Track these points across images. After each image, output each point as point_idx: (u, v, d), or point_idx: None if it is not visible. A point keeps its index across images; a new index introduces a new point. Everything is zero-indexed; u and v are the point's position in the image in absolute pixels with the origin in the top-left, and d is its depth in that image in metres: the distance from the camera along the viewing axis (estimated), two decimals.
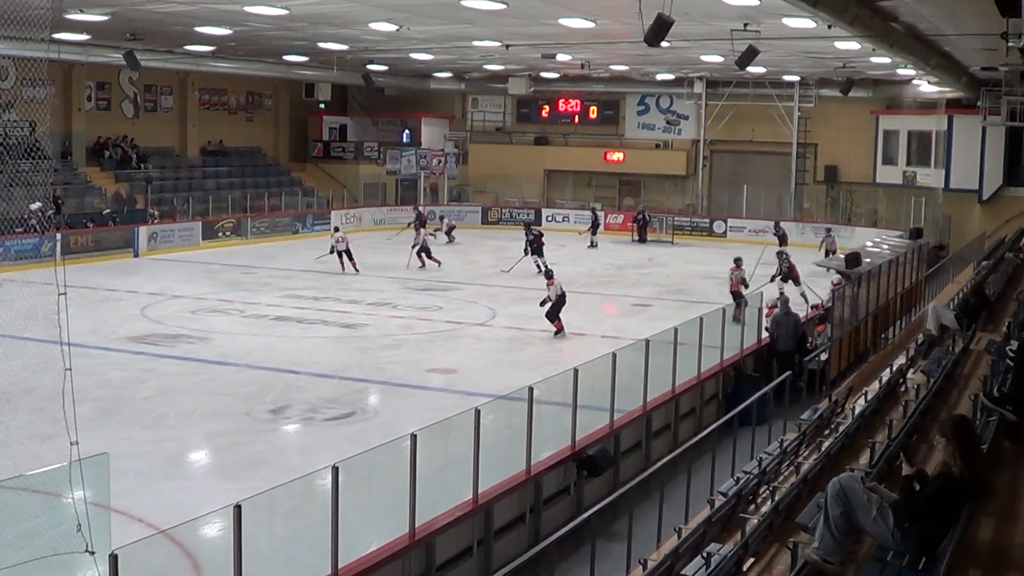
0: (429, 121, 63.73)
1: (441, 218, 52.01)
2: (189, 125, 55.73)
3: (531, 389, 15.05)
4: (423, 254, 41.20)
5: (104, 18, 32.67)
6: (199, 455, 19.06)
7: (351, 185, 59.32)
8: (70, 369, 10.22)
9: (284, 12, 30.66)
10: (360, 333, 28.56)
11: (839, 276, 28.20)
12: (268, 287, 35.50)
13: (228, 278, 37.34)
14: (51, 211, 41.65)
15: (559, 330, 28.23)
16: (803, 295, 31.51)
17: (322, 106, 61.21)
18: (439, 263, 40.83)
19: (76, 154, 49.37)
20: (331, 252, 40.03)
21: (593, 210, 53.32)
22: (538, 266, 38.77)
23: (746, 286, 31.06)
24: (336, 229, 42.82)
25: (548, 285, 28.79)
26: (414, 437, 12.42)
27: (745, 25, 28.79)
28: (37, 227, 40.35)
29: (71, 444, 10.00)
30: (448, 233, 49.73)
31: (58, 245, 39.40)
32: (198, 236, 46.49)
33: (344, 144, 62.97)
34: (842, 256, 28.14)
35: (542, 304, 28.64)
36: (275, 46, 42.77)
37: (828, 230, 43.21)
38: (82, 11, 31.25)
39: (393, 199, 60.20)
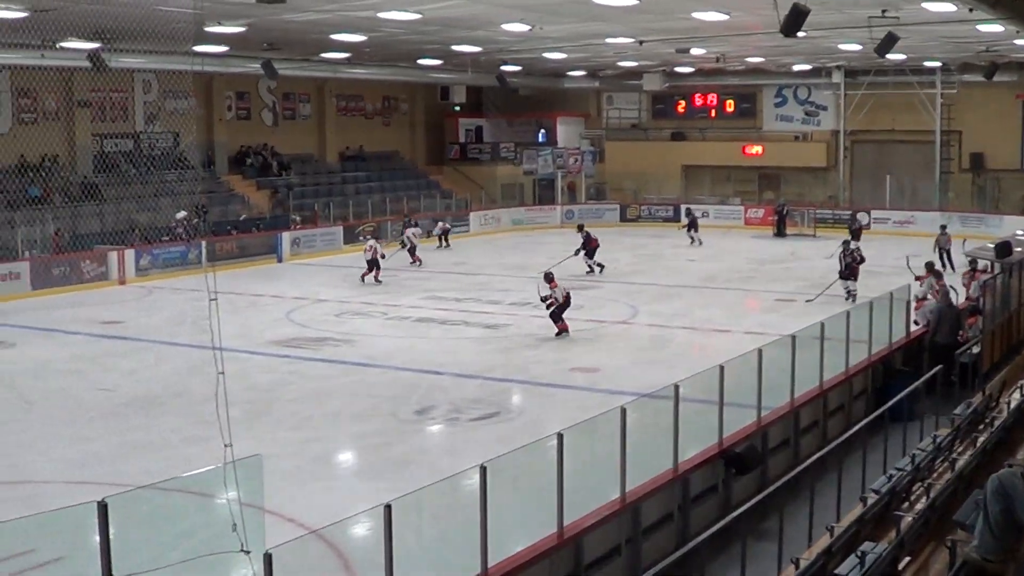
0: (564, 120, 63.74)
1: (435, 222, 50.31)
2: (327, 131, 56.41)
3: (677, 387, 14.98)
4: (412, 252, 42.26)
5: (242, 29, 33.15)
6: (346, 456, 19.25)
7: (488, 186, 59.52)
8: (223, 373, 10.37)
9: (417, 17, 30.90)
10: (502, 333, 28.64)
11: (975, 265, 27.67)
12: (410, 289, 35.77)
13: (370, 280, 37.68)
14: (197, 219, 42.45)
15: (562, 331, 27.70)
16: (848, 291, 31.29)
17: (457, 108, 61.49)
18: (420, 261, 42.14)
19: (219, 163, 50.23)
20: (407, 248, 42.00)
21: (689, 209, 52.44)
22: (590, 267, 39.03)
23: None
24: (371, 237, 41.90)
25: (552, 287, 28.01)
26: (560, 436, 12.43)
27: (883, 11, 28.36)
28: (183, 235, 41.16)
29: (225, 447, 10.15)
30: (442, 237, 48.68)
31: (204, 252, 40.13)
32: (339, 240, 46.99)
33: (480, 145, 63.21)
34: (990, 246, 27.33)
35: (544, 300, 28.17)
36: (409, 50, 43.09)
37: (943, 227, 42.09)
38: (220, 23, 31.75)
39: (531, 199, 60.28)
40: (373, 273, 37.22)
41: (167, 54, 38.29)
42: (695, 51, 43.84)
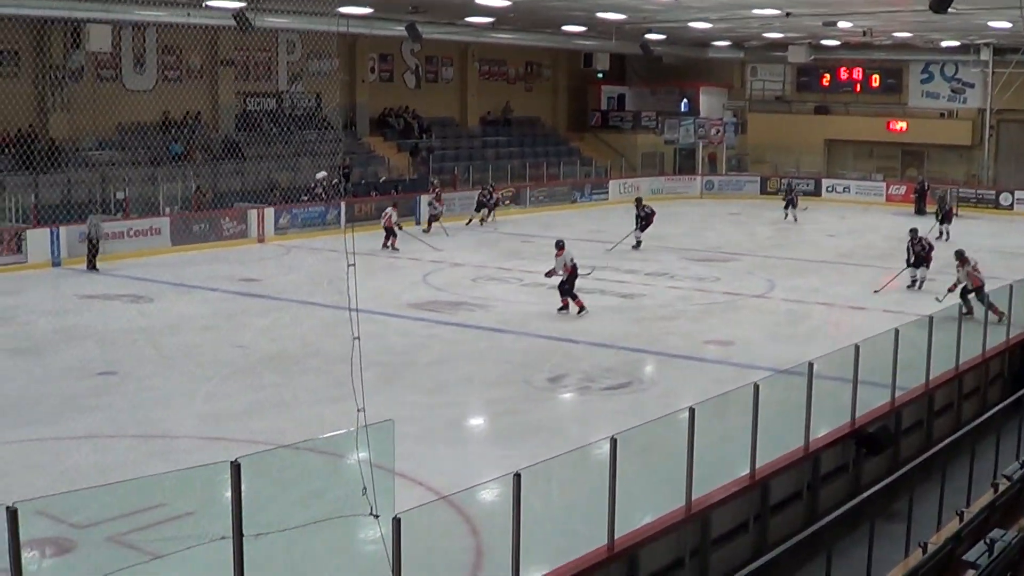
0: (707, 90, 63.27)
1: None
2: (469, 95, 56.56)
3: (811, 364, 14.85)
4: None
5: None
6: (478, 421, 19.36)
7: (629, 154, 59.28)
8: (358, 338, 10.47)
9: None
10: (637, 303, 28.56)
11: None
12: (546, 256, 35.53)
13: (507, 247, 37.78)
14: (337, 180, 42.85)
15: (580, 308, 26.53)
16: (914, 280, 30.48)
17: (600, 76, 61.23)
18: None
19: (360, 125, 50.60)
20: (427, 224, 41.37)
21: (789, 184, 51.07)
22: (638, 240, 38.17)
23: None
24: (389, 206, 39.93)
25: (556, 255, 26.91)
26: (692, 411, 12.38)
27: None
28: (323, 195, 41.58)
29: (358, 411, 10.25)
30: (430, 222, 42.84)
31: (343, 213, 40.54)
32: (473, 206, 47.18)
33: (622, 113, 63.02)
34: None
35: (548, 275, 27.37)
36: (554, 16, 43.06)
37: None
38: None
39: (671, 168, 60.04)
40: (390, 241, 36.77)
41: (311, 15, 38.64)
42: (842, 24, 43.24)
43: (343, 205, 41.39)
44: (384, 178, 46.82)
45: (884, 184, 55.96)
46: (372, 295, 27.22)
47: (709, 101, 63.18)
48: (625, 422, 14.15)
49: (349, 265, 10.64)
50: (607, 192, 54.20)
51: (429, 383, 20.36)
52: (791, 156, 59.45)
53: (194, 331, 24.53)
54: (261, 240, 38.66)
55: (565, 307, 26.64)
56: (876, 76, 60.79)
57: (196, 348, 22.78)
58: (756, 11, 38.96)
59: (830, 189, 56.76)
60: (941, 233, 39.53)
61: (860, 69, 60.91)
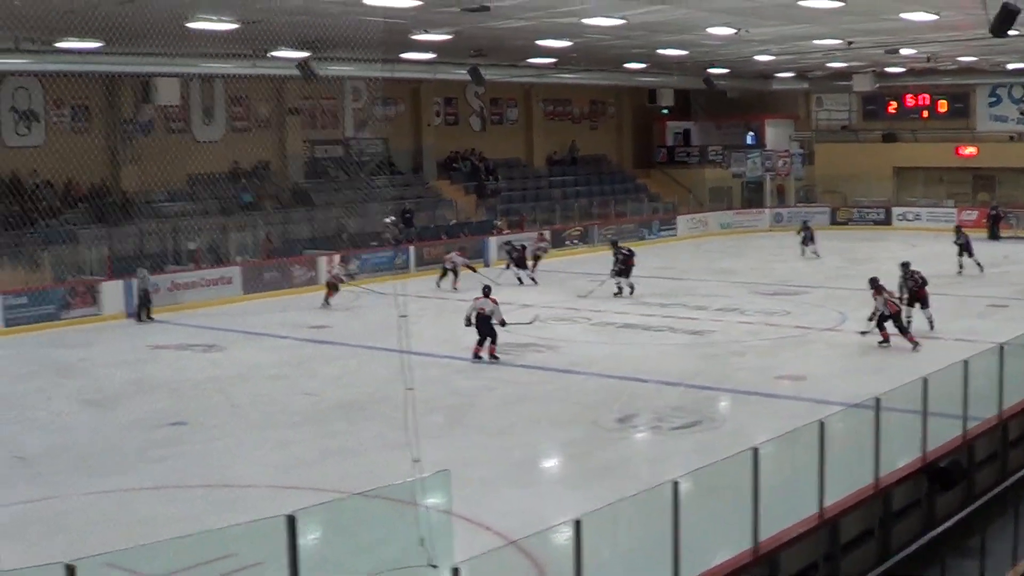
0: (773, 122, 62.96)
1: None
2: (534, 136, 56.65)
3: (878, 400, 14.63)
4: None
5: (448, 37, 33.53)
6: (546, 463, 19.21)
7: (696, 189, 59.17)
8: (412, 388, 10.43)
9: (621, 22, 30.85)
10: (707, 339, 28.35)
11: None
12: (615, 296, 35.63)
13: (575, 286, 37.65)
14: (402, 224, 43.04)
15: (492, 356, 25.70)
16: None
17: (665, 111, 61.19)
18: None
19: (427, 168, 50.80)
20: (444, 274, 38.06)
21: (804, 222, 48.56)
22: (619, 287, 35.76)
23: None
24: (455, 251, 39.39)
25: (492, 302, 25.96)
26: (755, 451, 12.23)
27: None
28: (391, 240, 41.71)
29: (413, 461, 10.22)
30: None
31: (411, 257, 40.63)
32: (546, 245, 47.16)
33: (688, 149, 62.91)
34: None
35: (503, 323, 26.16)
36: (615, 55, 43.03)
37: None
38: (427, 31, 32.14)
39: (739, 202, 59.77)
40: (455, 283, 36.88)
41: (376, 62, 38.82)
42: (905, 51, 42.89)
43: (411, 249, 41.51)
44: (453, 221, 46.93)
45: (956, 210, 55.21)
46: (440, 338, 27.39)
47: (775, 133, 62.89)
48: (695, 461, 14.03)
49: (401, 316, 10.60)
50: (675, 228, 54.03)
51: (496, 426, 20.28)
52: (860, 185, 58.95)
53: (264, 379, 24.61)
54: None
55: (495, 358, 25.84)
56: (943, 101, 60.16)
57: (266, 396, 22.85)
58: (817, 42, 38.77)
59: (900, 217, 56.21)
60: None
61: (926, 95, 60.34)
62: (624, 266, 35.78)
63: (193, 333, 30.23)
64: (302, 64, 36.94)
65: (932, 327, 27.75)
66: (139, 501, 16.51)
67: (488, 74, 44.01)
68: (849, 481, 14.45)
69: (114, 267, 34.77)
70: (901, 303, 27.42)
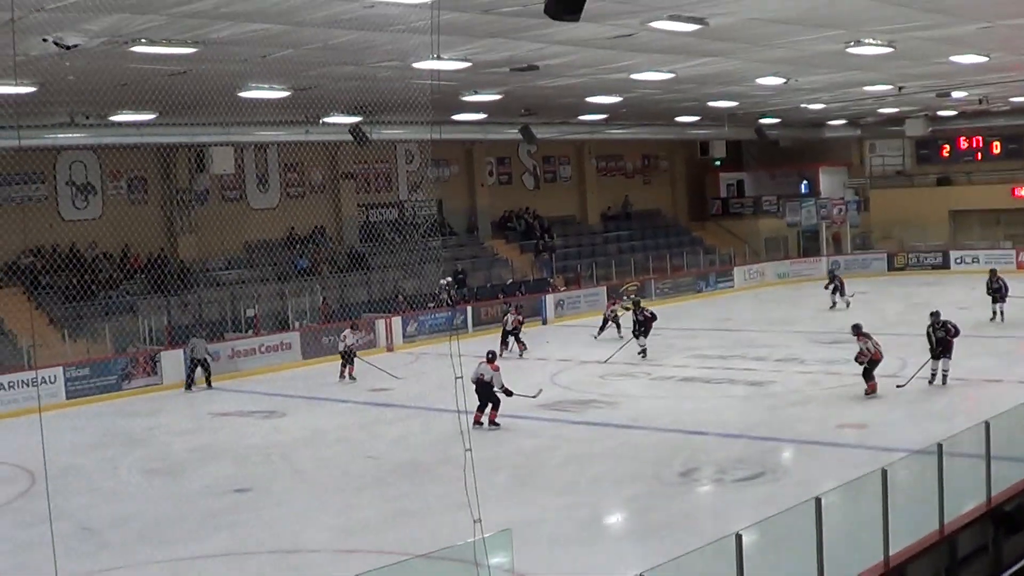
0: (826, 170, 62.93)
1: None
2: (588, 192, 56.85)
3: (940, 446, 14.56)
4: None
5: (498, 97, 33.76)
6: (610, 519, 19.16)
7: (752, 240, 59.15)
8: (470, 450, 10.51)
9: (671, 76, 30.98)
10: (767, 391, 28.26)
11: None
12: (674, 348, 35.59)
13: (633, 341, 37.60)
14: (457, 285, 43.21)
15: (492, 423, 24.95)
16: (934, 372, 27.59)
17: (718, 163, 61.27)
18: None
19: (482, 228, 51.05)
20: (506, 341, 36.16)
21: (831, 271, 47.95)
22: (642, 348, 34.39)
23: None
24: (512, 308, 37.84)
25: (493, 368, 24.91)
26: (818, 501, 12.20)
27: None
28: (448, 301, 41.87)
29: (474, 522, 10.28)
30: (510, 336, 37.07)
31: (469, 317, 40.73)
32: (603, 301, 47.12)
33: (742, 200, 62.99)
34: None
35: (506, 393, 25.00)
36: (665, 109, 43.16)
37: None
38: (477, 92, 32.39)
39: (796, 251, 59.62)
40: (519, 348, 35.67)
41: (427, 124, 39.17)
42: (956, 94, 42.80)
43: (468, 310, 41.66)
44: (510, 280, 47.06)
45: (1014, 251, 54.94)
46: (501, 397, 27.35)
47: (829, 181, 62.81)
48: (759, 513, 14.01)
49: (457, 378, 10.67)
50: (732, 280, 53.95)
51: (560, 484, 20.28)
52: (916, 230, 58.66)
53: (326, 444, 24.73)
54: (390, 349, 38.95)
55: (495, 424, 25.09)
56: (997, 142, 59.93)
57: (328, 461, 22.97)
58: (868, 88, 38.75)
59: (958, 260, 55.83)
60: None
61: (980, 137, 60.17)
62: (643, 327, 34.70)
63: (254, 400, 30.44)
64: (354, 129, 37.29)
65: (944, 381, 27.09)
66: (207, 569, 16.67)
67: (539, 132, 44.31)
68: (914, 528, 14.36)
69: (173, 336, 35.11)
70: (931, 354, 27.22)
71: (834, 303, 43.90)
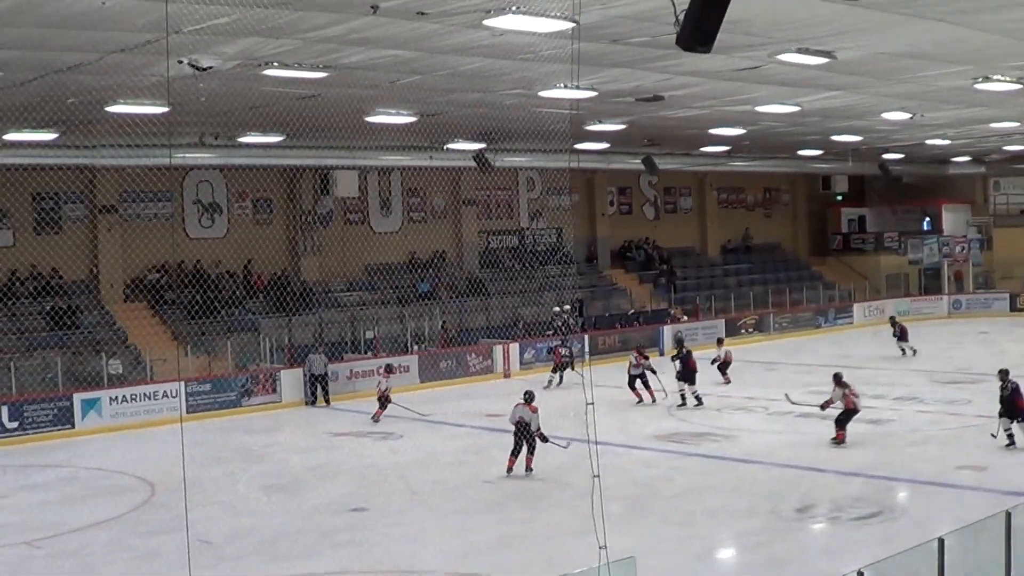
0: (950, 207, 62.07)
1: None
2: (708, 224, 56.67)
3: None
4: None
5: (621, 127, 33.84)
6: (725, 553, 19.03)
7: (872, 277, 58.55)
8: (598, 476, 10.51)
9: (796, 109, 30.85)
10: (886, 429, 27.88)
11: None
12: (791, 383, 35.26)
13: (751, 375, 37.40)
14: (575, 313, 43.19)
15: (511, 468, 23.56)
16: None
17: (839, 198, 60.86)
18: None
19: (601, 257, 51.07)
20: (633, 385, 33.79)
21: (892, 318, 45.18)
22: (692, 398, 32.36)
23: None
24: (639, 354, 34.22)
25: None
26: (941, 542, 12.02)
27: None
28: (562, 329, 41.87)
29: (600, 548, 10.25)
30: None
31: (586, 346, 40.66)
32: (721, 333, 46.87)
33: (863, 235, 62.37)
34: None
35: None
36: (788, 142, 42.96)
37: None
38: (601, 122, 32.46)
39: (917, 289, 58.89)
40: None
41: (550, 152, 39.32)
42: None
43: (586, 339, 41.60)
44: (631, 311, 46.97)
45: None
46: (617, 427, 27.39)
47: (952, 218, 61.98)
48: (875, 553, 13.87)
49: (588, 404, 10.67)
50: (852, 316, 53.43)
51: (675, 515, 20.19)
52: None
53: (442, 466, 24.82)
54: (507, 375, 39.08)
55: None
56: None
57: (444, 483, 23.03)
58: (995, 125, 38.29)
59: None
60: None
61: None
62: (686, 369, 32.79)
63: (370, 422, 30.56)
64: (478, 155, 37.52)
65: (1011, 441, 24.96)
66: None
67: (661, 163, 44.30)
68: None
69: (293, 355, 35.50)
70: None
71: (903, 351, 41.95)
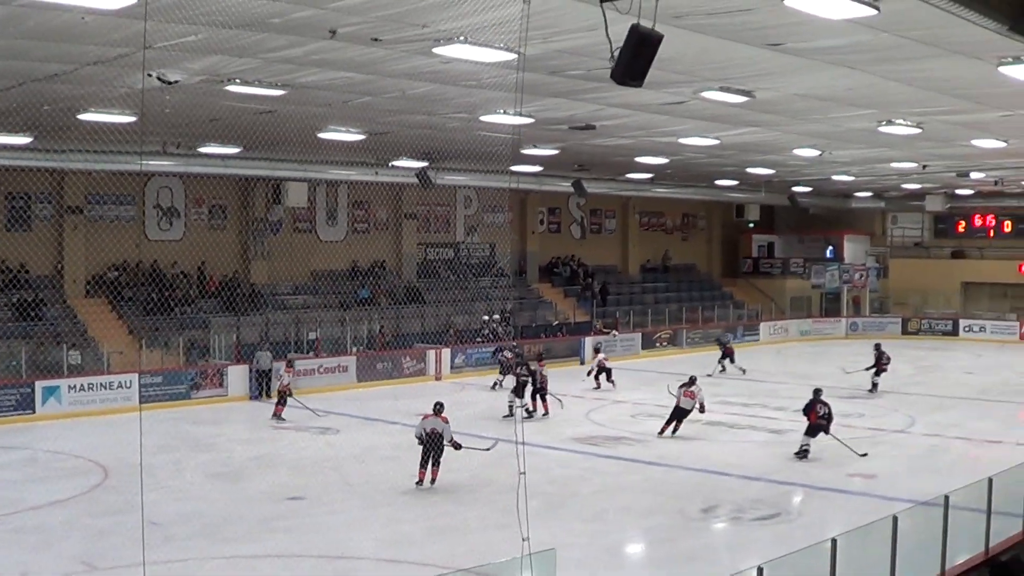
0: (851, 238, 62.84)
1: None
2: (630, 244, 57.01)
3: (947, 497, 14.54)
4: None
5: (555, 152, 33.95)
6: (635, 548, 19.19)
7: (778, 298, 59.11)
8: (524, 473, 10.59)
9: (715, 142, 31.09)
10: (786, 438, 28.07)
11: None
12: (704, 395, 35.46)
13: (664, 385, 37.59)
14: (504, 323, 43.29)
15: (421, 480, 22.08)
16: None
17: (751, 225, 61.36)
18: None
19: (530, 272, 51.20)
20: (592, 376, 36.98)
21: (718, 338, 44.40)
22: (527, 410, 30.31)
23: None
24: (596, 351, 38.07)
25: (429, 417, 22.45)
26: (834, 542, 12.19)
27: None
28: (492, 336, 41.98)
29: (523, 540, 10.32)
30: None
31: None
32: (638, 346, 47.22)
33: (772, 260, 62.97)
34: None
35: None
36: (707, 172, 43.29)
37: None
38: (536, 146, 32.56)
39: (818, 311, 59.58)
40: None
41: (487, 173, 39.44)
42: (975, 175, 42.86)
43: (513, 345, 41.65)
44: (556, 322, 47.10)
45: (1018, 323, 54.88)
46: (539, 429, 27.53)
47: (853, 248, 62.71)
48: (774, 551, 14.00)
49: (521, 407, 10.75)
50: (759, 334, 53.92)
51: (589, 512, 20.30)
52: (930, 298, 58.70)
53: (376, 461, 24.78)
54: (438, 378, 39.11)
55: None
56: (1008, 222, 60.03)
57: (378, 476, 22.99)
58: (895, 164, 38.76)
59: (967, 329, 55.80)
60: None
61: (993, 215, 60.30)
62: (526, 381, 31.12)
63: (311, 416, 30.46)
64: (420, 173, 37.57)
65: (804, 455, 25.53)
66: (261, 567, 16.80)
67: (590, 187, 44.61)
68: (917, 573, 14.31)
69: (241, 353, 35.37)
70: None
71: (724, 368, 41.36)
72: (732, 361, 41.61)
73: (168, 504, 20.27)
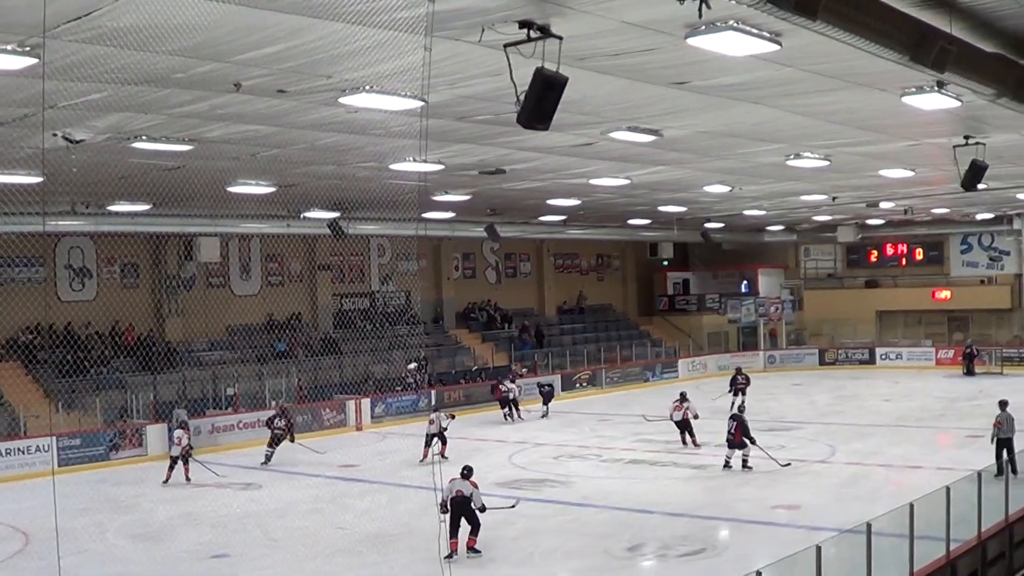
0: (765, 271, 63.59)
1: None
2: (546, 287, 57.28)
3: (869, 525, 14.67)
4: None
5: (466, 197, 34.03)
6: None
7: (695, 334, 59.52)
8: (444, 521, 10.54)
9: (626, 182, 31.30)
10: (708, 473, 28.29)
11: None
12: (623, 433, 35.68)
13: (586, 426, 37.73)
14: (423, 370, 43.24)
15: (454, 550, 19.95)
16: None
17: (665, 263, 61.86)
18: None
19: (447, 318, 51.22)
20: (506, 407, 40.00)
21: (738, 369, 44.08)
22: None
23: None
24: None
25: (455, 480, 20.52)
26: (759, 574, 12.28)
27: None
28: (414, 385, 41.91)
29: None
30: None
31: (432, 401, 40.67)
32: (558, 388, 47.27)
33: (687, 297, 63.53)
34: None
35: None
36: (619, 211, 43.57)
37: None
38: (447, 192, 32.65)
39: (736, 345, 60.05)
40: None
41: (399, 221, 39.45)
42: (884, 205, 43.53)
43: (432, 393, 41.60)
44: (476, 367, 47.15)
45: (933, 349, 55.83)
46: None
47: (767, 281, 63.40)
48: None
49: (442, 458, 10.74)
50: (677, 371, 54.18)
51: (515, 556, 20.27)
52: (845, 328, 59.40)
53: (299, 514, 24.55)
54: (359, 428, 38.96)
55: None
56: (919, 249, 61.15)
57: (301, 530, 22.80)
58: (805, 197, 39.25)
59: (883, 357, 56.53)
60: None
61: (904, 244, 61.42)
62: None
63: (232, 472, 30.19)
64: (332, 224, 37.50)
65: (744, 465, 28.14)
66: None
67: (503, 231, 44.70)
68: None
69: (159, 411, 34.98)
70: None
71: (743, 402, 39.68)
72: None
73: (91, 568, 20.00)
